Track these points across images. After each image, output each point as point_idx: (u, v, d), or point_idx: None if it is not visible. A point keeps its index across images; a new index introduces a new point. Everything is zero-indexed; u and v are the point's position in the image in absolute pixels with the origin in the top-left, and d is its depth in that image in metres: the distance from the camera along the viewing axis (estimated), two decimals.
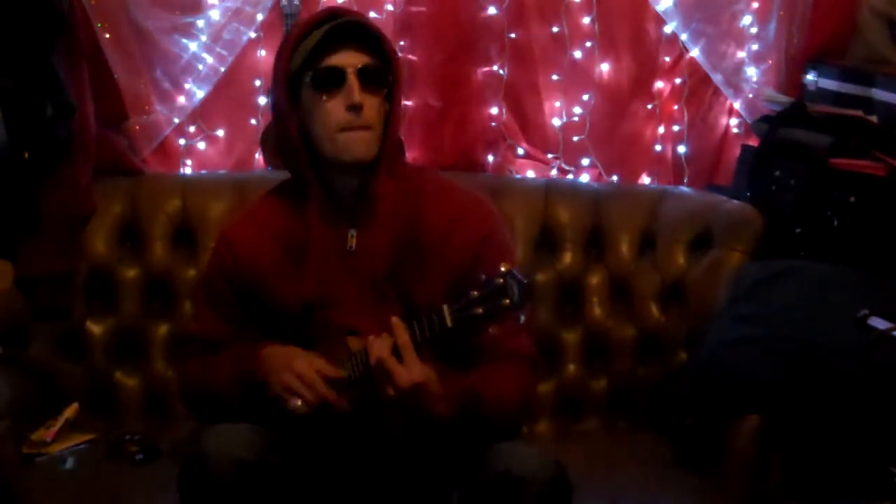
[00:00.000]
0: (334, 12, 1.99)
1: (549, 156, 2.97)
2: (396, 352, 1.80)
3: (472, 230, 1.99)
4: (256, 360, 1.92)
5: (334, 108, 1.93)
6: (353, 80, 1.92)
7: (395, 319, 1.82)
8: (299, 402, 1.86)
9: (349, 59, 1.93)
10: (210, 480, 1.79)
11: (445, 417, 1.86)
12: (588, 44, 2.90)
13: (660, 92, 2.95)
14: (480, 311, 1.74)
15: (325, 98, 1.94)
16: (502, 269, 1.75)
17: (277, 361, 1.89)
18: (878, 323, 1.80)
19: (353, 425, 1.91)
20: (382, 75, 1.96)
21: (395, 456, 1.94)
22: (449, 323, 1.77)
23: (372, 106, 1.94)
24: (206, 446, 1.82)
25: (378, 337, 1.81)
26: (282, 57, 1.98)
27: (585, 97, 2.93)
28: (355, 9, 2.81)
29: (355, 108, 1.92)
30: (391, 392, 1.80)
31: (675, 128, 2.96)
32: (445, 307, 1.77)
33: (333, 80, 1.93)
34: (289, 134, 1.97)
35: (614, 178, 2.96)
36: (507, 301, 1.73)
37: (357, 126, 1.93)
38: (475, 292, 1.75)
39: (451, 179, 2.14)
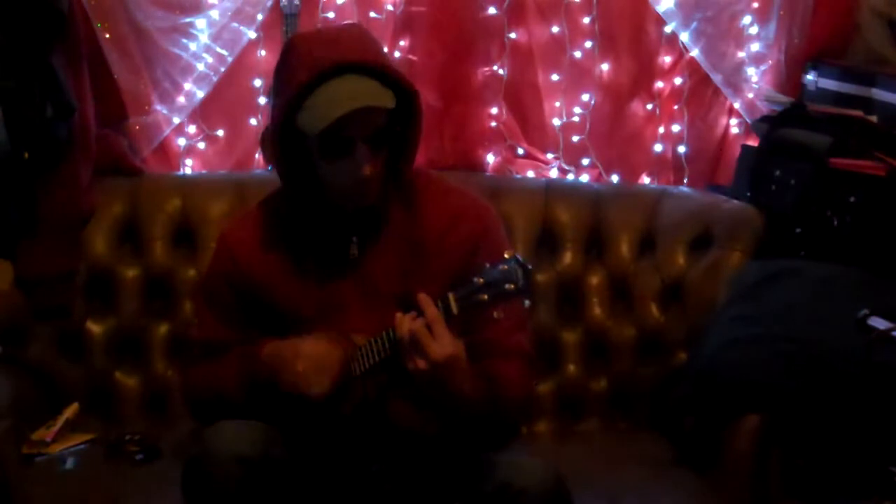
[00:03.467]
0: (340, 63, 1.83)
1: (549, 156, 2.97)
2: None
3: (469, 228, 1.98)
4: (260, 359, 1.91)
5: (343, 174, 1.88)
6: (362, 150, 1.85)
7: (422, 295, 1.80)
8: (316, 387, 1.85)
9: (358, 126, 1.84)
10: (214, 477, 1.80)
11: (471, 398, 1.85)
12: (588, 44, 2.89)
13: (660, 92, 2.95)
14: (485, 297, 1.75)
15: (333, 163, 1.89)
16: (506, 255, 1.75)
17: (286, 353, 1.89)
18: (878, 323, 1.80)
19: (357, 421, 1.91)
20: (391, 131, 1.91)
21: (399, 453, 1.94)
22: (454, 310, 1.77)
23: (380, 162, 1.90)
24: (210, 443, 1.82)
25: (405, 314, 1.80)
26: (279, 102, 1.89)
27: (585, 97, 2.93)
28: (355, 10, 2.82)
29: (364, 178, 1.87)
30: (422, 365, 1.77)
31: (675, 128, 2.96)
32: (451, 294, 1.78)
33: (342, 150, 1.86)
34: (282, 171, 1.94)
35: (614, 178, 2.95)
36: (512, 286, 1.73)
37: (366, 185, 1.89)
38: (480, 279, 1.75)
39: (448, 180, 2.13)
